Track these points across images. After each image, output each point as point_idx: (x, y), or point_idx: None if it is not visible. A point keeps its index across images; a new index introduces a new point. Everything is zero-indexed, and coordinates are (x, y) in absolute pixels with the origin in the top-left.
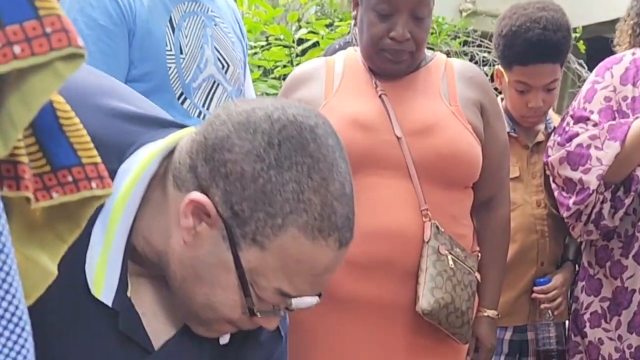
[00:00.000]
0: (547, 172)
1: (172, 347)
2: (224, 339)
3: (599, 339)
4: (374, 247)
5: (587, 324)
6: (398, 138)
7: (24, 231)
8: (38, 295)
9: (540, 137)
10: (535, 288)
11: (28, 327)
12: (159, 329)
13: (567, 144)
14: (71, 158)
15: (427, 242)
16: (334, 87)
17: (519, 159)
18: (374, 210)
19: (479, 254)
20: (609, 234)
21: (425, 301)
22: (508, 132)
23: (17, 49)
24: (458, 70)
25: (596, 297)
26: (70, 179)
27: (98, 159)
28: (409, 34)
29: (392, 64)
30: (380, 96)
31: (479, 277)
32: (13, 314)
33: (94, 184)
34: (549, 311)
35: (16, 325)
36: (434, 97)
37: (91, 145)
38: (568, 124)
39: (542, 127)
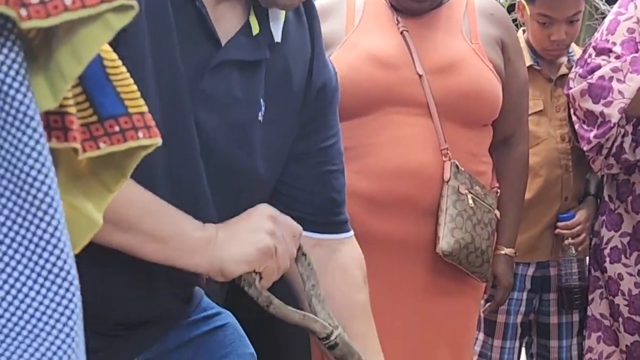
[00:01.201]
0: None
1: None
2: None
3: (619, 274)
4: (393, 184)
5: (607, 259)
6: (420, 76)
7: (69, 180)
8: (83, 245)
9: (564, 70)
10: (559, 224)
11: (76, 282)
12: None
13: (589, 76)
14: (118, 107)
15: (447, 182)
16: (355, 22)
17: (542, 92)
18: (394, 148)
19: (498, 191)
20: (630, 168)
21: (445, 242)
22: (531, 66)
23: (68, 0)
24: (479, 7)
25: (616, 232)
26: (117, 128)
27: (145, 108)
28: None
29: (415, 1)
30: (402, 33)
31: (498, 214)
32: (61, 268)
33: (140, 134)
34: (572, 247)
35: (64, 279)
36: (455, 34)
37: (138, 94)
38: (590, 55)
39: (565, 59)
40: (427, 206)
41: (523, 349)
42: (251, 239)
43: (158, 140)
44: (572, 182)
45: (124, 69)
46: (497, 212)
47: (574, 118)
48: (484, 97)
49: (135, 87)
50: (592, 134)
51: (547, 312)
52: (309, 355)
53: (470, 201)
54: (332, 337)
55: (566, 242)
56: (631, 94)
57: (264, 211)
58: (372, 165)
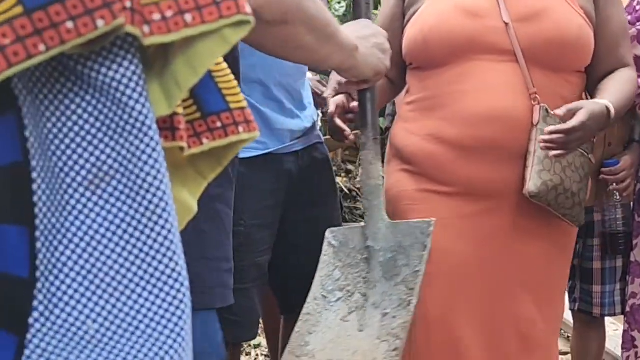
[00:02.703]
0: None
1: None
2: None
3: None
4: (481, 130)
5: None
6: (506, 24)
7: (169, 171)
8: (180, 230)
9: None
10: (603, 169)
11: (186, 283)
12: None
13: (638, 23)
14: (220, 104)
15: (536, 125)
16: None
17: None
18: (481, 93)
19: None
20: None
21: (532, 184)
22: None
23: (188, 17)
24: None
25: None
26: (219, 124)
27: (244, 104)
28: None
29: None
30: None
31: (593, 158)
32: (173, 270)
33: (241, 128)
34: (617, 192)
35: (176, 280)
36: None
37: (238, 90)
38: (639, 3)
39: None
40: (516, 150)
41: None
42: (381, 56)
43: (257, 134)
44: (616, 128)
45: (225, 65)
46: (591, 156)
47: None
48: (572, 44)
49: (235, 83)
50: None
51: (591, 257)
52: None
53: None
54: None
55: (610, 187)
56: None
57: (383, 32)
58: (458, 112)
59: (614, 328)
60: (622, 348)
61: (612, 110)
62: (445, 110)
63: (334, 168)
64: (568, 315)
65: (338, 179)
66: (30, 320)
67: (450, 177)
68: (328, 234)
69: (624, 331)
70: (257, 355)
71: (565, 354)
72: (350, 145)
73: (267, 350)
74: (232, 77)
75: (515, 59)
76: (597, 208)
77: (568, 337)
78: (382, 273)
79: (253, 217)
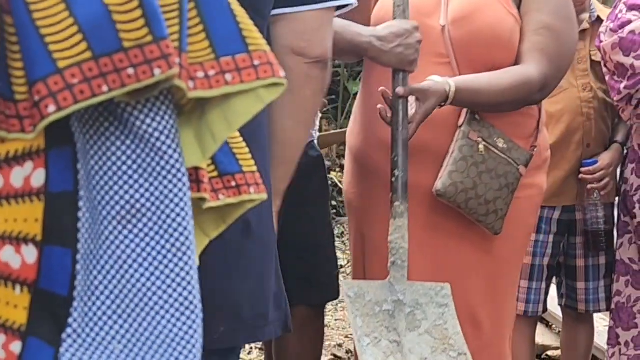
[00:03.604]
0: (595, 58)
1: None
2: None
3: None
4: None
5: (637, 205)
6: (442, 26)
7: None
8: None
9: (585, 25)
10: (582, 169)
11: (200, 315)
12: None
13: (620, 31)
14: (234, 166)
15: (460, 127)
16: None
17: None
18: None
19: (535, 148)
20: None
21: (440, 183)
22: None
23: (228, 77)
24: None
25: None
26: (233, 184)
27: (255, 168)
28: None
29: None
30: None
31: (523, 170)
32: (191, 302)
33: (252, 190)
34: (596, 191)
35: (192, 312)
36: None
37: (249, 155)
38: (621, 11)
39: (586, 15)
40: (439, 151)
41: (555, 290)
42: (402, 51)
43: (265, 196)
44: (594, 129)
45: (238, 133)
46: (521, 167)
47: (604, 70)
48: (504, 44)
49: (247, 150)
50: (622, 85)
51: (574, 255)
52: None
53: (482, 148)
54: None
55: (589, 186)
56: None
57: (411, 32)
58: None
59: (604, 324)
60: (608, 344)
61: (452, 89)
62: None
63: (329, 163)
64: (558, 310)
65: (332, 174)
66: (64, 336)
67: (378, 174)
68: (344, 285)
69: (610, 328)
70: (251, 348)
71: (555, 348)
72: (344, 141)
73: (261, 343)
74: (244, 144)
75: (448, 60)
76: (578, 207)
77: (558, 332)
78: (405, 324)
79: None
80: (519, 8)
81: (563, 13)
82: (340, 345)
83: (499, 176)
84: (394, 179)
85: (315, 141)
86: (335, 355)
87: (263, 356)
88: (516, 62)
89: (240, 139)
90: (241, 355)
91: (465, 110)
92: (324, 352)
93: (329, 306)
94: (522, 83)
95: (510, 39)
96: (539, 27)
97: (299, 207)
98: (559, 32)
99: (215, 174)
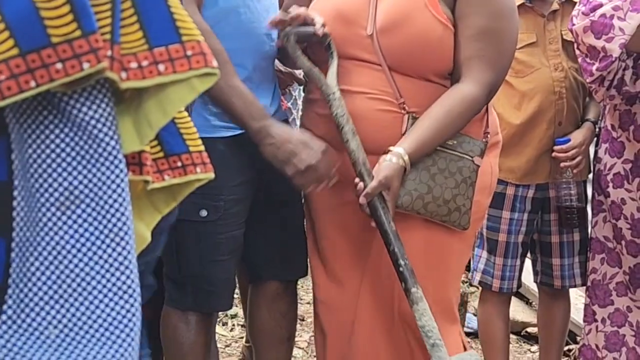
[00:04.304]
0: (566, 37)
1: None
2: None
3: (622, 199)
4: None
5: (610, 185)
6: (370, 35)
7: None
8: None
9: (555, 6)
10: (555, 147)
11: (139, 299)
12: None
13: (591, 14)
14: (181, 146)
15: (404, 134)
16: None
17: (535, 26)
18: (351, 99)
19: (488, 136)
20: (631, 98)
21: None
22: (523, 3)
23: (161, 67)
24: None
25: (619, 159)
26: (179, 164)
27: (202, 147)
28: None
29: None
30: None
31: (478, 160)
32: (129, 287)
33: (198, 169)
34: (569, 169)
35: (130, 296)
36: None
37: (197, 135)
38: None
39: None
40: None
41: (530, 266)
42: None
43: (211, 175)
44: (565, 108)
45: (185, 113)
46: (476, 158)
47: (577, 52)
48: (432, 52)
49: (194, 129)
50: (594, 67)
51: (549, 232)
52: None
53: None
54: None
55: (562, 164)
56: (631, 30)
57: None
58: (329, 114)
59: (582, 300)
60: (584, 321)
61: (406, 158)
62: (323, 108)
63: None
64: (535, 287)
65: None
66: None
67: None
68: None
69: (586, 305)
70: (233, 325)
71: (534, 325)
72: None
73: (243, 320)
74: (192, 123)
75: (381, 68)
76: (551, 184)
77: (536, 308)
78: None
79: (230, 192)
80: (453, 11)
81: (500, 11)
82: None
83: (452, 174)
84: (401, 269)
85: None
86: None
87: (245, 333)
88: (456, 71)
89: (189, 118)
90: (224, 332)
91: (406, 116)
92: (305, 328)
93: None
94: (468, 109)
95: (440, 46)
96: (477, 32)
97: (279, 186)
98: (498, 33)
99: (161, 154)
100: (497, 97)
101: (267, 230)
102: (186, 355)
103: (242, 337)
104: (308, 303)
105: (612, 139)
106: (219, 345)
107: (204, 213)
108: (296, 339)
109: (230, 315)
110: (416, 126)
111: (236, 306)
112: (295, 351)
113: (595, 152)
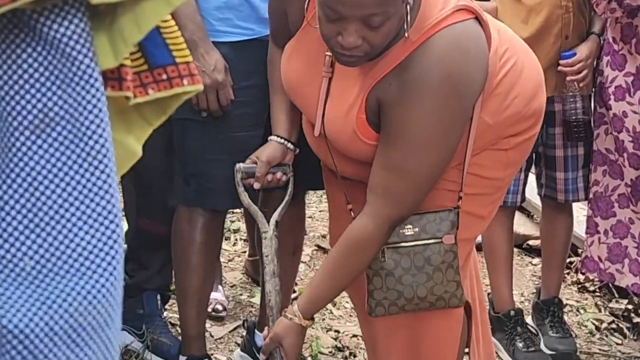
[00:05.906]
0: None
1: None
2: None
3: (623, 111)
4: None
5: (612, 97)
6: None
7: (114, 116)
8: (123, 173)
9: None
10: (561, 61)
11: (121, 224)
12: None
13: None
14: (166, 58)
15: None
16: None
17: None
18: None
19: (459, 206)
20: (633, 11)
21: (367, 307)
22: None
23: None
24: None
25: (620, 71)
26: (165, 77)
27: (190, 58)
28: (361, 40)
29: (345, 59)
30: (323, 77)
31: (450, 238)
32: (110, 212)
33: (185, 81)
34: (575, 83)
35: (111, 222)
36: (354, 101)
37: (184, 45)
38: None
39: None
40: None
41: (533, 180)
42: None
43: (200, 87)
44: (572, 21)
45: (173, 22)
46: (446, 237)
47: None
48: (364, 161)
49: (182, 39)
50: None
51: (553, 145)
52: None
53: (387, 255)
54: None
55: (568, 78)
56: None
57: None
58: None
59: (583, 213)
60: (586, 233)
61: (299, 314)
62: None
63: None
64: (539, 200)
65: None
66: None
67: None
68: None
69: (588, 217)
70: (236, 239)
71: (536, 238)
72: None
73: (246, 234)
74: (179, 33)
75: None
76: (557, 98)
77: (537, 221)
78: None
79: (232, 94)
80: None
81: (421, 144)
82: (324, 236)
83: (419, 268)
84: None
85: None
86: (318, 246)
87: (247, 247)
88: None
89: (176, 27)
90: (226, 247)
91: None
92: (307, 242)
93: (314, 197)
94: (362, 250)
95: (368, 159)
96: (388, 162)
97: None
98: (409, 172)
99: (145, 67)
100: (504, 11)
101: None
102: (186, 251)
103: (244, 252)
104: (310, 217)
105: (613, 51)
106: (221, 259)
107: (204, 113)
108: None
109: (233, 230)
110: (313, 279)
111: (239, 221)
112: None
113: (597, 65)
